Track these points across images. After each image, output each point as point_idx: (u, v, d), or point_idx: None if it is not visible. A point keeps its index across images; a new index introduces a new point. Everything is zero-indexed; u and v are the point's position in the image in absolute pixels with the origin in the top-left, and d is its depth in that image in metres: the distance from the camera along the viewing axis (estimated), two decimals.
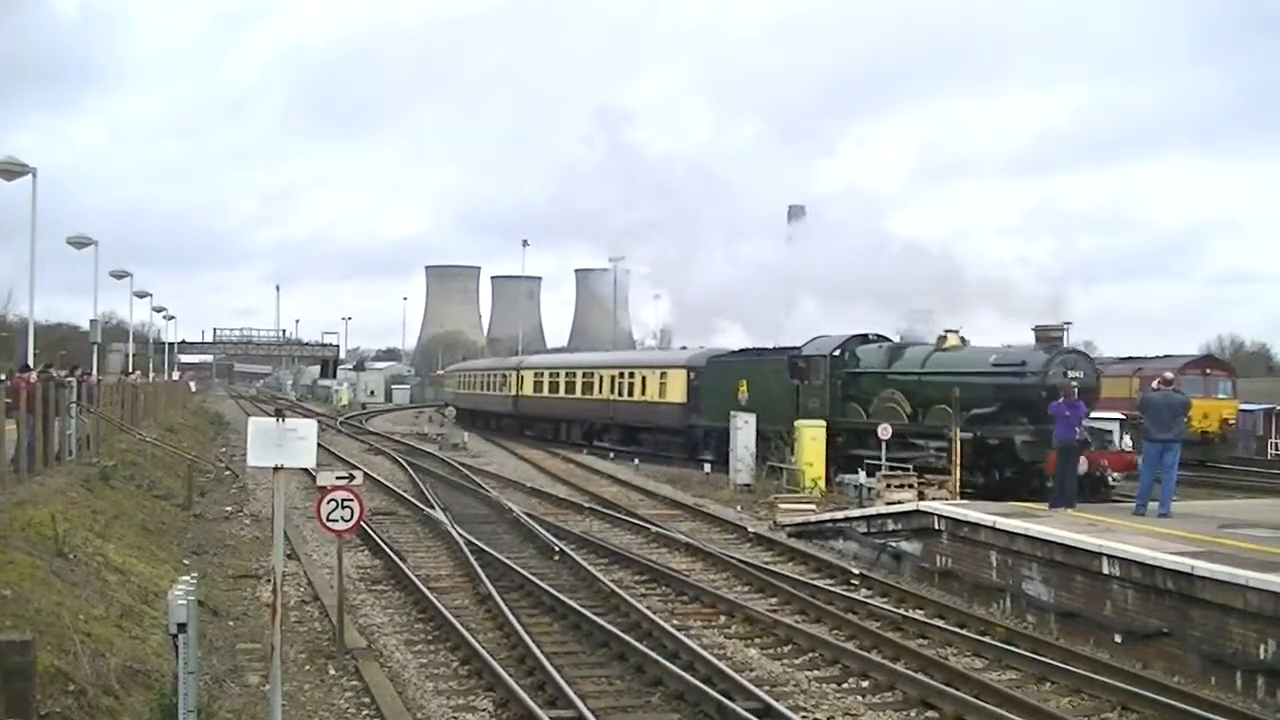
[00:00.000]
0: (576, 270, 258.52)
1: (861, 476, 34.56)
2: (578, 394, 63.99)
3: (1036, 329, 35.38)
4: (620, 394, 58.94)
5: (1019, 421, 33.15)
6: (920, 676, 15.63)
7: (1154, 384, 23.77)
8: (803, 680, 15.98)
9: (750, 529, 29.55)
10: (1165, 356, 53.57)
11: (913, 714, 14.63)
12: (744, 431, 41.09)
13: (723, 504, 35.76)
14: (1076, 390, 26.58)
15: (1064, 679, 15.82)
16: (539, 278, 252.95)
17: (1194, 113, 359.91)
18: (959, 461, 31.35)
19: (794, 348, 44.55)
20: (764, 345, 50.14)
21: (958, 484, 30.84)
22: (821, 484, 37.00)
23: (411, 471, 43.07)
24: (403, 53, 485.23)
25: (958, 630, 18.63)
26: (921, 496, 29.28)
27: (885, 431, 34.95)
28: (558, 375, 68.23)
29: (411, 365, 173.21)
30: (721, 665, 15.75)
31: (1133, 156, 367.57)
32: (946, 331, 38.80)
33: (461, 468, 45.76)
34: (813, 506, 31.92)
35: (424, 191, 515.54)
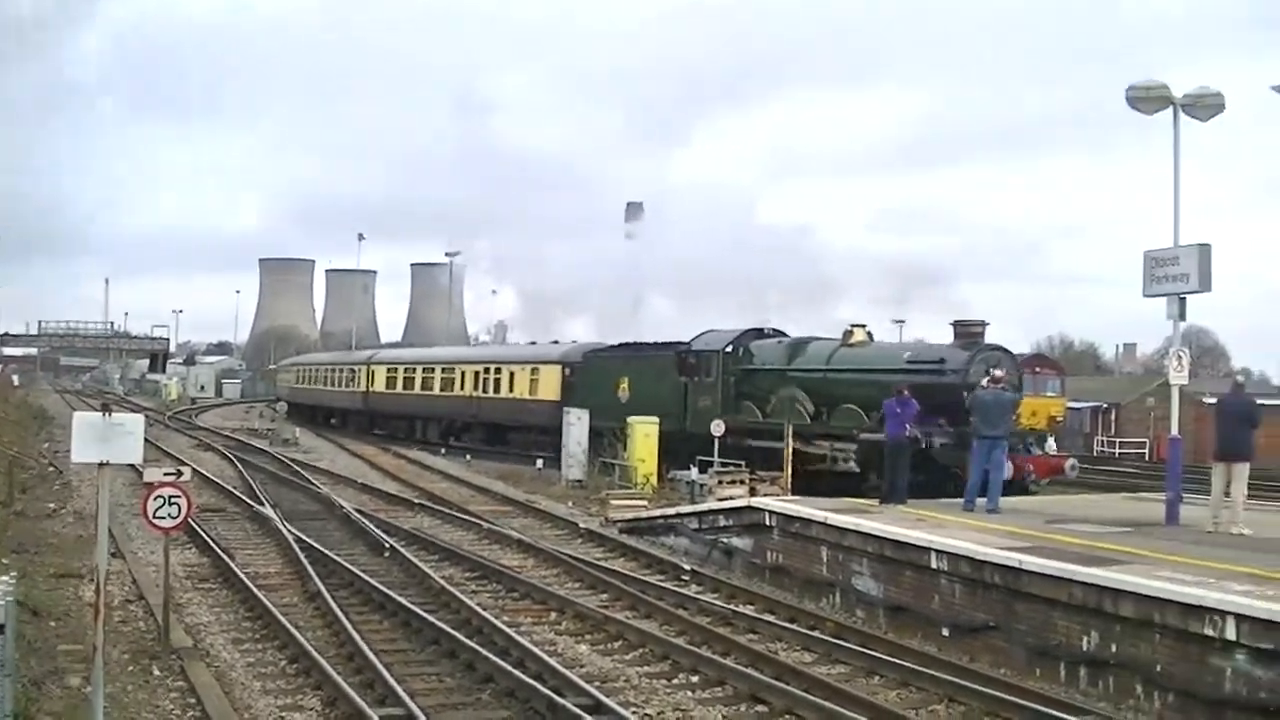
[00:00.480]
0: (413, 265, 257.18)
1: (694, 473, 34.42)
2: (437, 390, 61.37)
3: (956, 324, 33.87)
4: (486, 391, 56.30)
5: (934, 422, 30.82)
6: (750, 671, 15.51)
7: (983, 382, 24.05)
8: (633, 676, 15.76)
9: (582, 525, 29.31)
10: None
11: (743, 708, 14.47)
12: (576, 428, 40.83)
13: (555, 500, 35.41)
14: (907, 390, 25.95)
15: (892, 672, 15.78)
16: (374, 272, 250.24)
17: (1044, 117, 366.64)
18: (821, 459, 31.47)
19: (681, 343, 42.35)
20: (643, 340, 47.58)
21: (789, 480, 30.98)
22: (654, 480, 36.90)
23: (241, 468, 42.01)
24: (246, 45, 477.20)
25: (788, 625, 18.53)
26: (753, 493, 29.30)
27: (718, 428, 35.06)
28: (414, 371, 65.52)
29: (243, 360, 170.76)
30: (552, 662, 15.47)
31: (987, 158, 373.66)
32: (853, 326, 37.03)
33: (292, 464, 44.76)
34: (644, 503, 31.86)
35: (262, 185, 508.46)
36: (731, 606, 19.92)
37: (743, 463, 34.72)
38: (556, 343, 57.31)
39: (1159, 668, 13.94)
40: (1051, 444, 33.30)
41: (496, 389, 55.46)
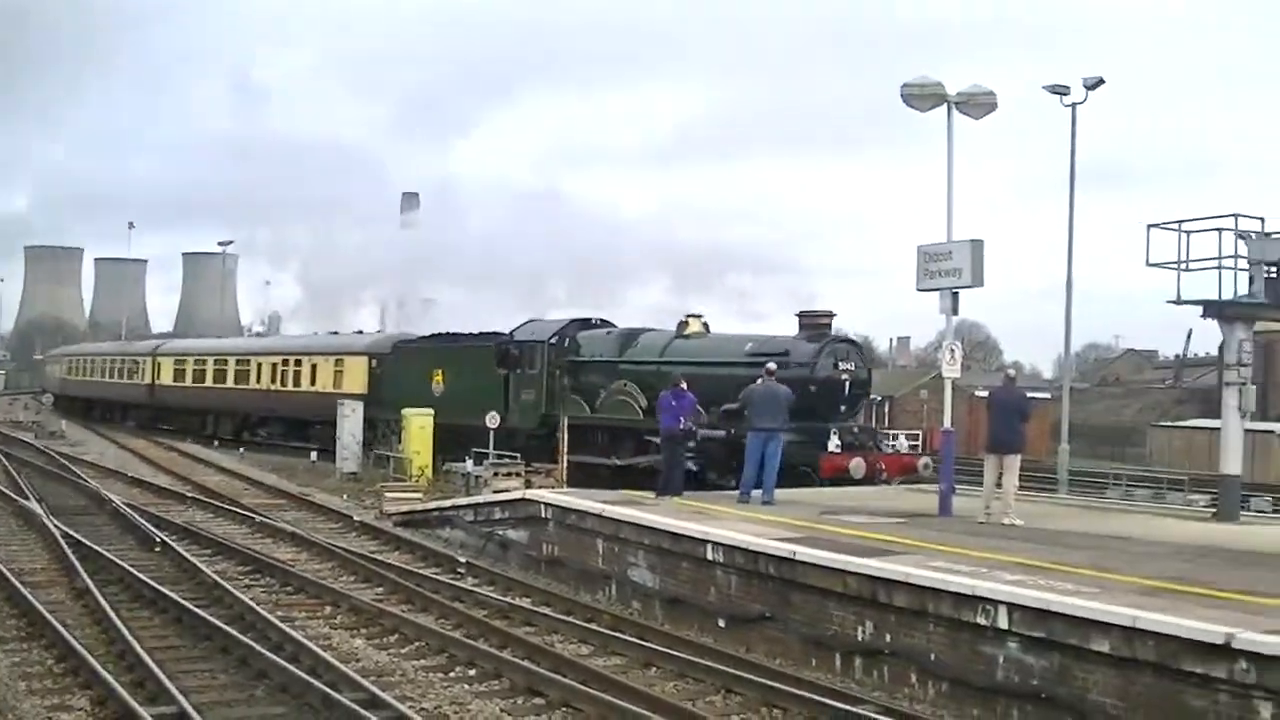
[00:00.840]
0: (184, 254, 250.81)
1: (469, 464, 33.90)
2: (230, 383, 57.74)
3: (802, 315, 31.82)
4: (285, 384, 52.91)
5: (780, 419, 29.65)
6: (527, 664, 15.11)
7: (758, 378, 24.02)
8: (409, 670, 15.25)
9: (356, 518, 28.73)
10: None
11: (520, 701, 14.06)
12: (350, 420, 40.10)
13: (329, 493, 34.85)
14: (684, 382, 25.43)
15: (669, 664, 15.51)
16: (145, 260, 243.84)
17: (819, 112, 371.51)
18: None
19: (501, 334, 40.07)
20: (458, 331, 45.14)
21: (564, 472, 30.70)
22: (429, 472, 36.28)
23: (4, 460, 40.32)
24: (16, 20, 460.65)
25: (565, 618, 18.19)
26: (528, 485, 28.97)
27: (493, 420, 34.32)
28: (205, 363, 61.37)
29: (7, 350, 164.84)
30: (327, 656, 14.90)
31: (765, 151, 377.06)
32: (688, 317, 35.03)
33: (60, 457, 43.14)
34: (419, 495, 31.25)
35: (31, 170, 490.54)
36: (508, 599, 19.52)
37: (518, 455, 34.39)
38: (361, 333, 54.57)
39: (933, 656, 13.93)
40: (903, 441, 33.13)
41: (297, 382, 52.31)
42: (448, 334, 45.92)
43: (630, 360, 35.64)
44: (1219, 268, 20.51)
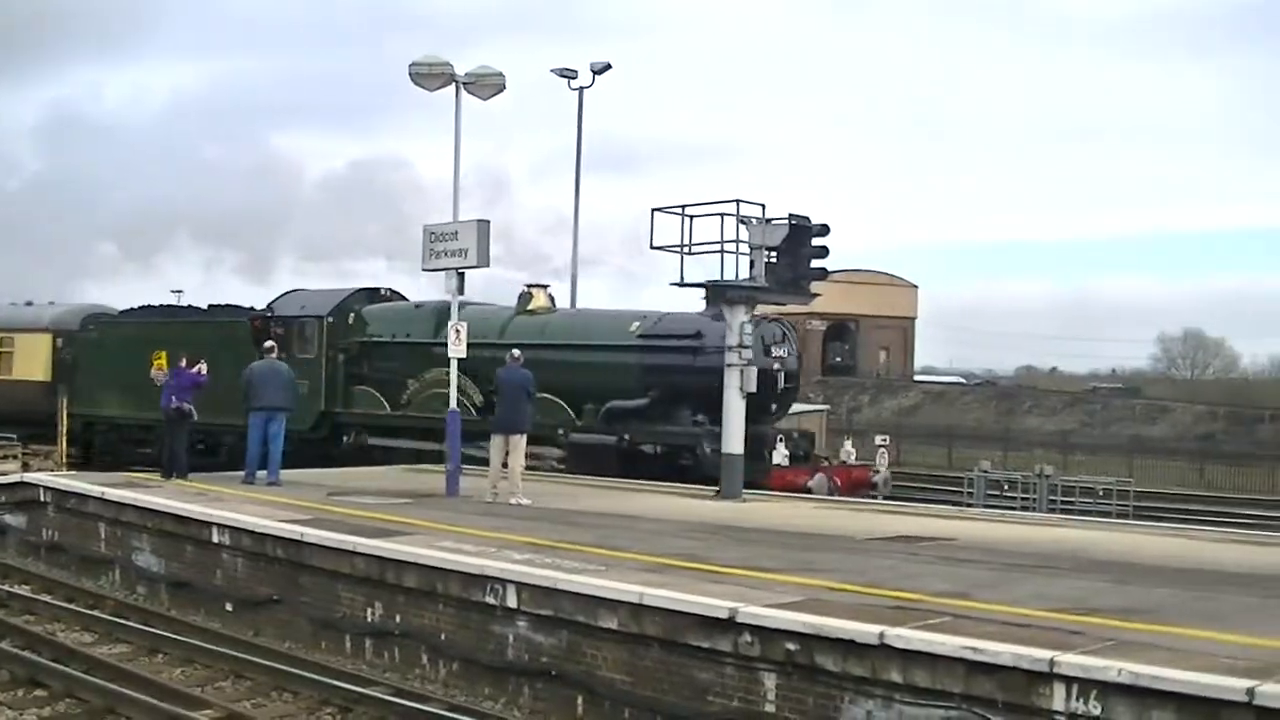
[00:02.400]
0: None
1: None
2: None
3: (712, 286, 23.16)
4: None
5: (687, 419, 23.98)
6: (27, 654, 13.58)
7: (256, 362, 22.73)
8: None
9: None
10: None
11: (20, 694, 12.47)
12: None
13: None
14: (204, 364, 22.17)
15: (176, 649, 14.20)
16: None
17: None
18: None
19: (249, 308, 32.47)
20: (185, 304, 36.86)
21: (64, 454, 28.44)
22: None
23: None
24: None
25: (66, 605, 16.49)
26: (26, 467, 26.71)
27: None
28: None
29: None
30: None
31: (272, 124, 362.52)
32: (531, 288, 28.35)
33: None
34: None
35: None
36: (5, 587, 17.61)
37: (14, 436, 31.09)
38: (53, 304, 40.94)
39: (443, 637, 13.18)
40: (849, 449, 26.23)
41: None
42: (170, 307, 36.81)
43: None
44: (721, 251, 20.61)
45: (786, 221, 20.57)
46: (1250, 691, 7.77)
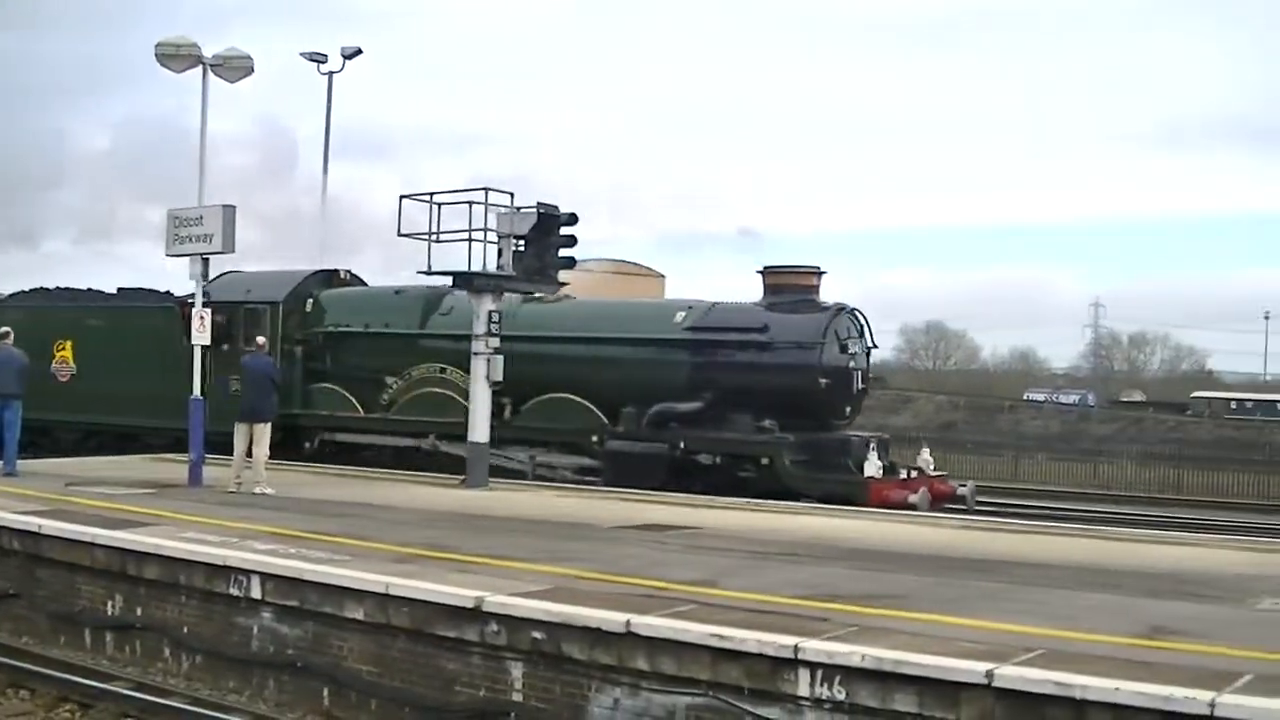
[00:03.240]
0: None
1: None
2: None
3: (770, 272, 21.49)
4: None
5: (748, 424, 20.38)
6: None
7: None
8: None
9: None
10: None
11: None
12: None
13: None
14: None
15: None
16: None
17: None
18: None
19: (166, 292, 27.48)
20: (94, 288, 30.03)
21: None
22: None
23: None
24: None
25: None
26: None
27: None
28: None
29: None
30: None
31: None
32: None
33: None
34: None
35: None
36: None
37: None
38: None
39: (186, 630, 12.40)
40: (927, 457, 21.58)
41: None
42: (65, 289, 30.35)
43: (450, 334, 22.91)
44: (469, 240, 20.10)
45: (535, 210, 20.23)
46: (989, 674, 7.72)
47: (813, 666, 8.34)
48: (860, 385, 21.21)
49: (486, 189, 20.14)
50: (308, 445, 24.26)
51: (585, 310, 22.92)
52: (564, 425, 21.71)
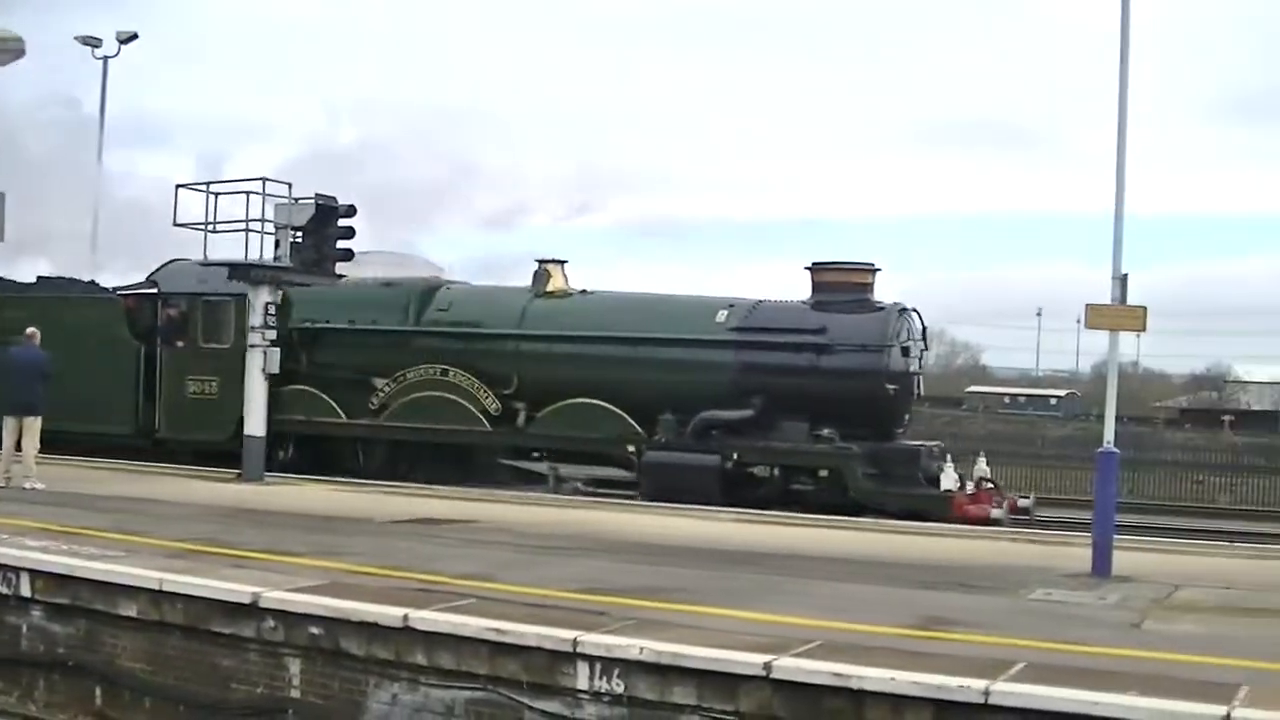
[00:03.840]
0: None
1: None
2: None
3: (818, 268, 19.49)
4: None
5: (802, 433, 18.51)
6: None
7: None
8: None
9: None
10: None
11: None
12: None
13: None
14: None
15: None
16: None
17: None
18: None
19: (90, 281, 24.70)
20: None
21: None
22: None
23: None
24: None
25: None
26: None
27: None
28: None
29: None
30: None
31: None
32: (545, 264, 21.35)
33: None
34: None
35: None
36: None
37: None
38: None
39: None
40: (984, 467, 19.17)
41: None
42: None
43: (454, 331, 21.03)
44: (246, 230, 19.46)
45: (313, 202, 19.80)
46: (768, 666, 7.76)
47: (591, 660, 8.28)
48: (918, 391, 19.78)
49: (264, 179, 19.63)
50: (281, 454, 21.28)
51: (607, 306, 20.70)
52: (591, 434, 19.51)
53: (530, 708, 8.56)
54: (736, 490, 18.27)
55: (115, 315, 22.75)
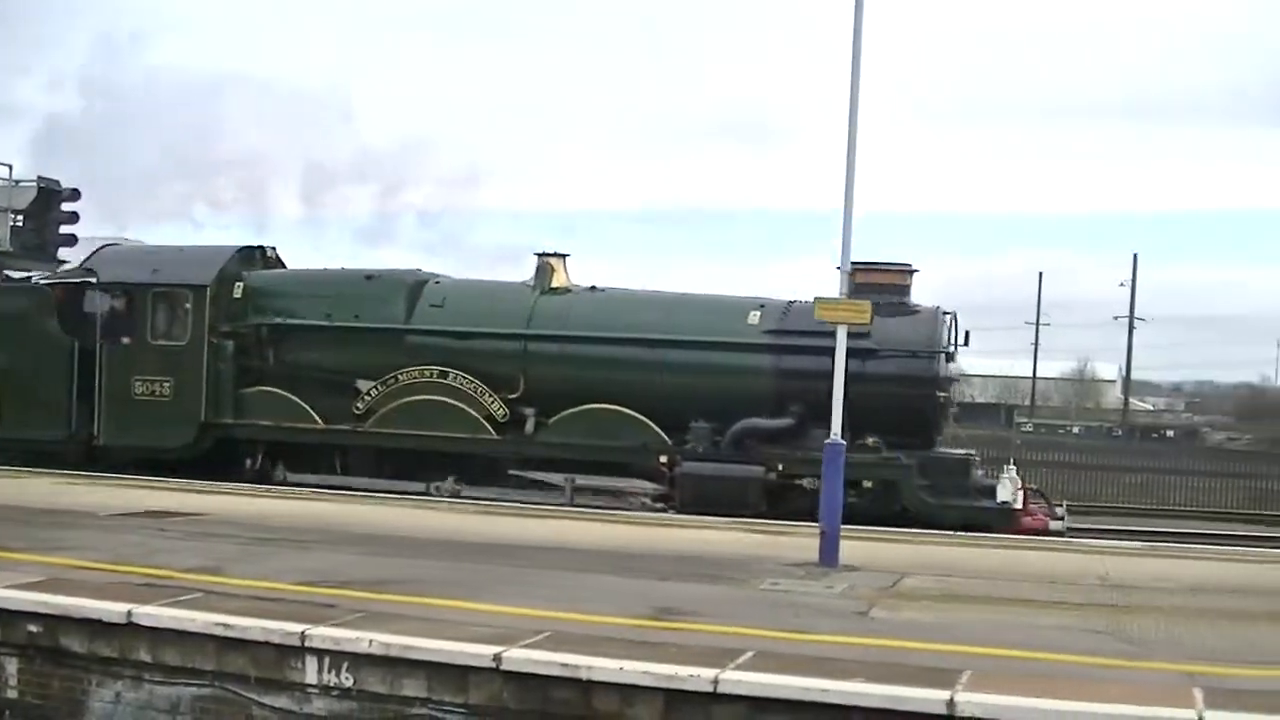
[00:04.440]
0: None
1: None
2: None
3: (855, 268, 14.52)
4: None
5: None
6: None
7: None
8: None
9: None
10: None
11: None
12: None
13: None
14: None
15: None
16: None
17: None
18: None
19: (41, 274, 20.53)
20: None
21: None
22: None
23: None
24: None
25: None
26: None
27: None
28: None
29: None
30: None
31: None
32: (546, 257, 18.85)
33: None
34: None
35: None
36: None
37: None
38: None
39: None
40: (1014, 475, 17.45)
41: None
42: None
43: (452, 330, 18.69)
44: None
45: (35, 184, 18.83)
46: (497, 657, 7.72)
47: (320, 654, 8.12)
48: (955, 398, 18.57)
49: None
50: (250, 463, 19.22)
51: (625, 305, 18.71)
52: (613, 442, 17.57)
53: (258, 703, 8.35)
54: (779, 503, 16.85)
55: (43, 307, 19.60)
